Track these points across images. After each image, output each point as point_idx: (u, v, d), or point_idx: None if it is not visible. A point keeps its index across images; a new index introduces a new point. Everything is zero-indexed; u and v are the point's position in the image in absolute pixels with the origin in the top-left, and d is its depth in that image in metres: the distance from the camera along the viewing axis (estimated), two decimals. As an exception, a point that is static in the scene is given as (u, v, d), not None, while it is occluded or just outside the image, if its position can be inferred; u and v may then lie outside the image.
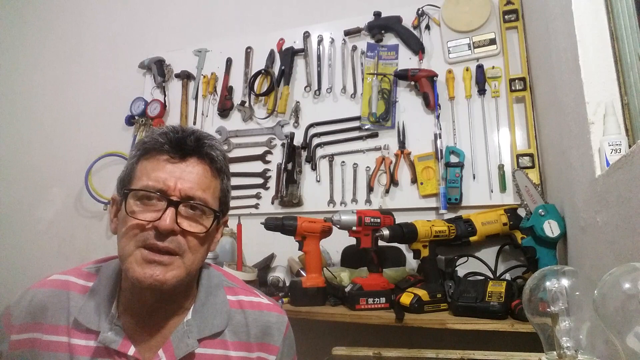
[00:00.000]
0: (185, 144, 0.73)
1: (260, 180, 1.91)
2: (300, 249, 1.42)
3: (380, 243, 1.32)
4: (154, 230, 0.68)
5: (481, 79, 1.64)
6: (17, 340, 0.71)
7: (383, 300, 1.29)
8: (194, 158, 0.74)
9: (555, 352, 0.64)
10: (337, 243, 1.59)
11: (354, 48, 1.87)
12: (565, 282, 0.66)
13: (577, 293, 0.65)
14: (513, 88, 1.58)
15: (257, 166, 1.93)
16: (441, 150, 1.61)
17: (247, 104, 1.99)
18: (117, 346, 0.70)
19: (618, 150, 0.82)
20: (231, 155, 1.98)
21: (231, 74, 2.07)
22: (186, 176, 0.72)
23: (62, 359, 0.69)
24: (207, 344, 0.75)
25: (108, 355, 0.70)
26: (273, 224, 1.40)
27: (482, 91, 1.64)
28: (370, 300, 1.28)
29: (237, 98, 2.03)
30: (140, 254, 0.68)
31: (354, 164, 1.77)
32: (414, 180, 1.67)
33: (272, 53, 2.00)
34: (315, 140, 1.86)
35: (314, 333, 1.50)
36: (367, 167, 1.75)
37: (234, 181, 2.11)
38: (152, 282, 0.67)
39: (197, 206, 0.72)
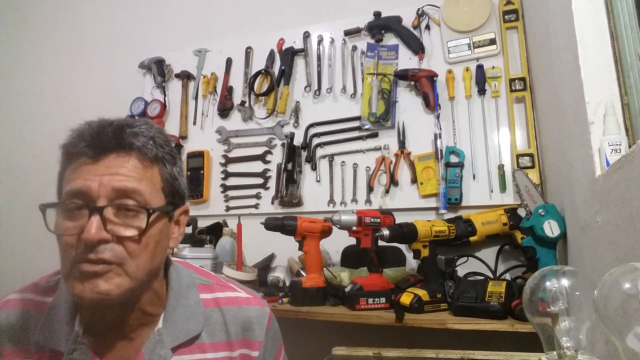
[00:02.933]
0: (103, 139, 0.64)
1: (260, 180, 1.91)
2: (300, 249, 1.42)
3: (380, 243, 1.32)
4: (83, 245, 0.60)
5: (481, 79, 1.64)
6: None
7: (383, 300, 1.29)
8: (115, 152, 0.64)
9: (555, 352, 0.64)
10: (337, 243, 1.59)
11: (354, 48, 1.88)
12: (565, 282, 0.66)
13: (577, 293, 0.65)
14: (513, 88, 1.58)
15: (257, 166, 1.93)
16: (441, 150, 1.61)
17: (247, 104, 1.99)
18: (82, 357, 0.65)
19: (618, 150, 0.82)
20: (231, 155, 1.98)
21: (231, 74, 2.07)
22: (110, 171, 0.63)
23: None
24: (183, 351, 0.70)
25: None
26: (273, 224, 1.40)
27: (482, 91, 1.64)
28: (370, 300, 1.28)
29: (237, 98, 2.03)
30: (76, 271, 0.61)
31: (354, 164, 1.77)
32: (414, 180, 1.67)
33: (272, 53, 2.00)
34: (315, 140, 1.86)
35: (314, 333, 1.50)
36: (367, 167, 1.75)
37: (234, 181, 2.12)
38: (94, 297, 0.60)
39: (129, 204, 0.63)
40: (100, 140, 0.64)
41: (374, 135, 1.76)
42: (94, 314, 0.67)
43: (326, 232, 1.44)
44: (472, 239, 1.40)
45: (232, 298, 0.78)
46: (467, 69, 1.68)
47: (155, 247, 0.66)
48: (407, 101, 1.75)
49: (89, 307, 0.65)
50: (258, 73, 1.99)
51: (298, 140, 1.87)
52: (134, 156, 0.65)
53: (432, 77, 1.68)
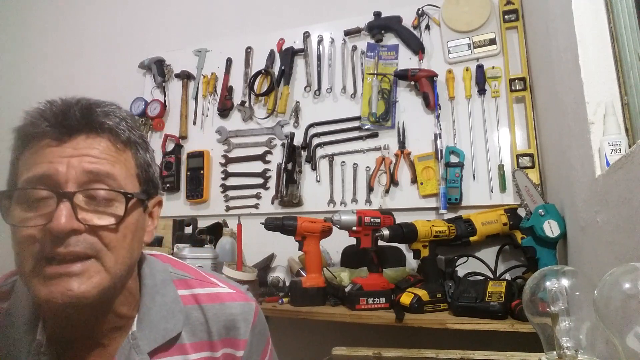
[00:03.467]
0: (70, 119, 0.55)
1: (260, 180, 1.91)
2: (300, 249, 1.42)
3: (380, 243, 1.32)
4: (50, 237, 0.51)
5: (481, 79, 1.64)
6: None
7: (383, 300, 1.29)
8: (84, 134, 0.56)
9: (555, 352, 0.64)
10: (337, 243, 1.59)
11: (354, 48, 1.87)
12: (565, 282, 0.66)
13: (577, 293, 0.65)
14: (513, 88, 1.58)
15: (257, 166, 1.93)
16: (441, 150, 1.61)
17: (247, 104, 1.99)
18: None
19: (618, 150, 0.82)
20: (231, 155, 1.99)
21: (231, 74, 2.07)
22: (78, 153, 0.55)
23: None
24: (162, 355, 0.62)
25: None
26: (273, 224, 1.41)
27: (482, 91, 1.64)
28: (370, 300, 1.28)
29: (237, 98, 2.03)
30: (42, 271, 0.52)
31: (354, 164, 1.77)
32: (414, 180, 1.67)
33: (272, 53, 2.00)
34: (315, 140, 1.86)
35: (314, 333, 1.50)
36: (367, 167, 1.75)
37: (234, 181, 2.12)
38: (66, 301, 0.51)
39: (103, 189, 0.55)
40: (67, 119, 0.55)
41: (374, 135, 1.76)
42: (61, 320, 0.58)
43: (326, 232, 1.44)
44: (472, 239, 1.40)
45: (213, 294, 0.69)
46: (467, 69, 1.68)
47: (133, 239, 0.59)
48: (407, 101, 1.75)
49: (59, 313, 0.56)
50: (258, 73, 1.99)
51: (298, 140, 1.87)
52: (106, 138, 0.57)
53: (432, 77, 1.68)
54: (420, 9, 1.78)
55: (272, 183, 1.89)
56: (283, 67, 1.94)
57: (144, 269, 0.66)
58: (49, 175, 0.53)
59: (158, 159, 2.06)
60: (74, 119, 0.56)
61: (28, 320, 0.58)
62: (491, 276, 1.36)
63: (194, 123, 2.08)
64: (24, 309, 0.59)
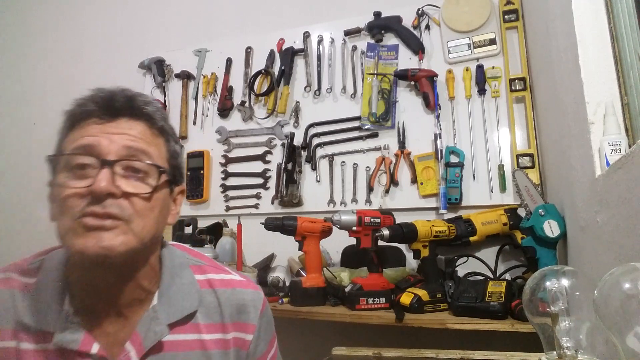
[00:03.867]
0: (115, 102, 0.64)
1: (260, 180, 1.91)
2: (300, 249, 1.42)
3: (380, 243, 1.32)
4: (90, 197, 0.58)
5: (481, 79, 1.64)
6: None
7: (383, 300, 1.29)
8: (126, 117, 0.64)
9: (555, 352, 0.64)
10: (337, 243, 1.59)
11: (354, 48, 1.87)
12: (565, 282, 0.66)
13: (577, 293, 0.65)
14: (513, 88, 1.58)
15: (257, 166, 1.93)
16: (441, 150, 1.61)
17: (247, 104, 1.99)
18: (77, 346, 0.60)
19: (618, 150, 0.82)
20: (231, 155, 1.99)
21: (231, 74, 2.07)
22: (119, 131, 0.62)
23: None
24: (178, 330, 0.68)
25: (65, 356, 0.60)
26: (273, 224, 1.40)
27: (482, 91, 1.64)
28: (370, 300, 1.28)
29: (237, 98, 2.03)
30: (79, 225, 0.58)
31: (354, 164, 1.77)
32: (414, 180, 1.67)
33: (272, 53, 2.00)
34: (315, 140, 1.86)
35: (314, 333, 1.50)
36: (367, 167, 1.75)
37: (234, 181, 2.12)
38: (97, 251, 0.57)
39: (138, 162, 0.62)
40: (112, 103, 0.64)
41: (374, 135, 1.76)
42: (85, 289, 0.64)
43: (326, 232, 1.44)
44: (472, 239, 1.40)
45: (225, 280, 0.75)
46: (467, 69, 1.68)
47: (160, 213, 0.65)
48: (407, 101, 1.75)
49: (91, 265, 0.61)
50: (258, 73, 1.99)
51: (298, 140, 1.87)
52: (143, 122, 0.65)
53: (432, 77, 1.68)
54: (420, 9, 1.78)
55: (272, 183, 1.89)
56: (283, 67, 1.94)
57: (164, 252, 0.72)
58: (94, 146, 0.60)
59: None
60: (118, 103, 0.63)
61: (56, 292, 0.63)
62: (491, 276, 1.36)
63: (194, 123, 2.08)
64: (53, 282, 0.64)
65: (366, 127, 1.77)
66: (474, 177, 1.60)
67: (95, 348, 0.61)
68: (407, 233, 1.26)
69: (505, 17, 1.64)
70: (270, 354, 0.79)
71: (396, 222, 1.37)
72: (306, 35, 1.96)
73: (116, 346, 0.63)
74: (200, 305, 0.70)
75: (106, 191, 0.58)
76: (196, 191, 1.95)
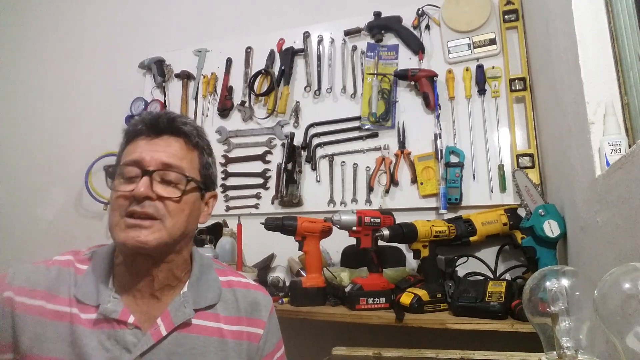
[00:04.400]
0: (159, 123, 0.80)
1: (260, 180, 1.91)
2: (300, 249, 1.42)
3: (380, 243, 1.32)
4: (133, 199, 0.74)
5: (481, 79, 1.64)
6: (23, 304, 0.72)
7: (383, 300, 1.29)
8: (167, 134, 0.80)
9: (555, 352, 0.64)
10: (337, 243, 1.59)
11: (354, 48, 1.88)
12: (565, 282, 0.66)
13: (577, 293, 0.65)
14: (513, 88, 1.58)
15: (257, 166, 1.93)
16: (441, 150, 1.61)
17: (247, 104, 1.99)
18: (117, 315, 0.74)
19: (618, 150, 0.82)
20: (231, 155, 1.99)
21: (231, 74, 2.07)
22: (160, 149, 0.78)
23: (63, 327, 0.72)
24: (202, 316, 0.80)
25: (109, 326, 0.73)
26: (273, 224, 1.40)
27: (482, 91, 1.64)
28: (370, 300, 1.28)
29: (237, 98, 2.03)
30: (123, 222, 0.74)
31: (354, 164, 1.77)
32: (414, 180, 1.67)
33: (272, 53, 2.00)
34: (315, 140, 1.86)
35: (314, 333, 1.50)
36: (367, 167, 1.75)
37: (234, 181, 2.12)
38: (134, 243, 0.72)
39: (171, 173, 0.77)
40: (157, 123, 0.80)
41: (374, 135, 1.76)
42: (126, 273, 0.78)
43: (326, 232, 1.44)
44: (472, 239, 1.40)
45: (242, 282, 0.89)
46: (467, 69, 1.68)
47: (190, 214, 0.80)
48: (407, 101, 1.75)
49: (129, 254, 0.76)
50: (258, 73, 1.99)
51: (298, 140, 1.87)
52: (182, 139, 0.81)
53: (432, 77, 1.68)
54: (420, 9, 1.78)
55: (272, 183, 1.89)
56: (283, 67, 1.94)
57: (195, 251, 0.88)
58: (139, 161, 0.76)
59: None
60: (162, 124, 0.80)
61: (103, 274, 0.78)
62: (491, 276, 1.36)
63: (194, 123, 2.08)
64: (100, 267, 0.79)
65: (366, 127, 1.77)
66: (474, 177, 1.60)
67: (131, 319, 0.74)
68: (407, 233, 1.26)
69: (505, 17, 1.64)
70: (278, 355, 0.90)
71: (396, 222, 1.37)
72: (306, 35, 1.96)
73: (149, 321, 0.76)
74: (220, 300, 0.83)
75: (145, 194, 0.73)
76: (196, 191, 1.95)
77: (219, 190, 1.96)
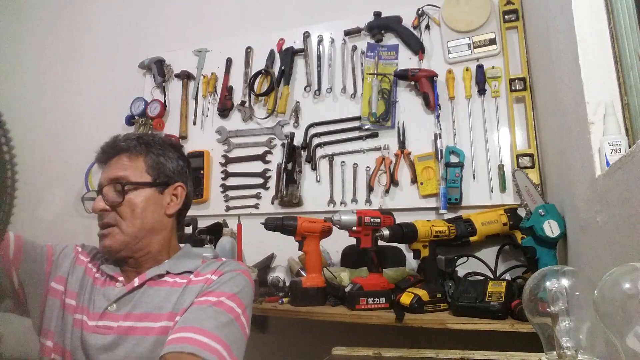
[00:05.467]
0: (106, 152, 0.99)
1: (260, 180, 1.91)
2: (300, 249, 1.42)
3: (380, 243, 1.32)
4: (99, 215, 0.95)
5: (481, 79, 1.64)
6: (82, 260, 0.99)
7: (383, 300, 1.29)
8: (113, 157, 0.99)
9: (555, 352, 0.64)
10: (337, 243, 1.59)
11: (354, 48, 1.88)
12: (565, 282, 0.66)
13: (577, 293, 0.65)
14: (513, 88, 1.58)
15: (257, 166, 1.93)
16: (441, 150, 1.62)
17: (247, 104, 1.99)
18: (112, 272, 0.96)
19: (618, 150, 0.82)
20: (231, 155, 1.99)
21: (231, 74, 2.07)
22: (110, 169, 0.97)
23: (85, 279, 0.97)
24: (175, 276, 0.95)
25: (104, 282, 0.96)
26: (273, 224, 1.40)
27: (482, 91, 1.64)
28: (370, 300, 1.28)
29: (237, 98, 2.03)
30: (99, 234, 0.95)
31: (354, 164, 1.77)
32: (414, 180, 1.67)
33: (272, 53, 2.00)
34: (315, 140, 1.86)
35: (314, 333, 1.50)
36: (367, 167, 1.75)
37: (234, 181, 2.12)
38: (103, 250, 0.95)
39: (115, 185, 0.94)
40: (105, 152, 1.00)
41: (374, 135, 1.76)
42: (116, 258, 0.97)
43: (326, 232, 1.44)
44: (472, 239, 1.40)
45: (223, 260, 1.01)
46: (467, 69, 1.68)
47: (143, 210, 0.95)
48: (407, 101, 1.75)
49: (110, 256, 0.97)
50: (258, 73, 1.99)
51: (298, 140, 1.87)
52: (124, 153, 0.98)
53: (432, 77, 1.68)
54: (420, 9, 1.78)
55: (272, 183, 1.89)
56: (283, 67, 1.94)
57: (187, 246, 1.07)
58: (98, 184, 0.98)
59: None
60: (108, 151, 1.00)
61: (102, 256, 1.01)
62: (491, 276, 1.36)
63: (194, 123, 2.08)
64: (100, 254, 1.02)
65: (366, 127, 1.77)
66: (474, 177, 1.60)
67: (120, 278, 0.95)
68: (407, 233, 1.26)
69: (505, 17, 1.64)
70: (225, 296, 0.88)
71: (396, 222, 1.37)
72: (306, 35, 1.96)
73: (131, 281, 0.95)
74: (196, 269, 0.96)
75: (98, 209, 0.94)
76: (196, 191, 1.95)
77: (219, 190, 1.97)
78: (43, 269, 0.95)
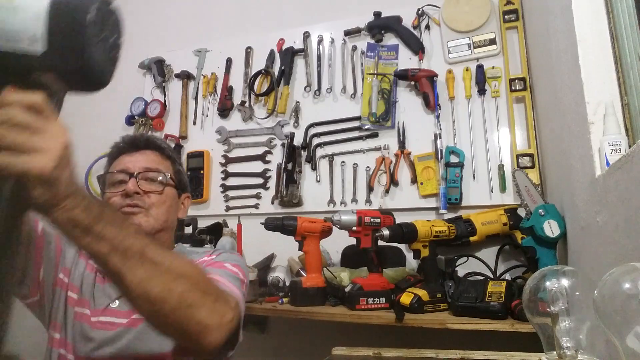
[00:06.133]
0: (138, 141, 1.02)
1: (260, 180, 1.91)
2: (300, 249, 1.42)
3: (380, 243, 1.32)
4: (125, 196, 0.94)
5: (481, 79, 1.64)
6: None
7: (383, 300, 1.29)
8: (144, 149, 1.01)
9: (555, 352, 0.64)
10: (337, 243, 1.59)
11: (354, 48, 1.87)
12: (565, 282, 0.66)
13: (577, 293, 0.65)
14: (513, 88, 1.58)
15: (257, 166, 1.93)
16: (441, 150, 1.62)
17: (247, 104, 1.99)
18: None
19: (618, 150, 0.82)
20: (231, 155, 1.99)
21: (231, 74, 2.07)
22: (141, 159, 0.99)
23: (86, 273, 0.98)
24: None
25: (104, 281, 0.96)
26: (273, 224, 1.40)
27: (482, 91, 1.64)
28: (370, 300, 1.28)
29: (237, 98, 2.03)
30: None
31: (354, 164, 1.77)
32: (414, 180, 1.67)
33: (272, 53, 2.00)
34: (315, 140, 1.86)
35: (314, 333, 1.50)
36: (367, 167, 1.75)
37: (234, 181, 2.12)
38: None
39: (152, 173, 0.98)
40: (136, 141, 1.03)
41: (374, 135, 1.76)
42: None
43: (326, 232, 1.44)
44: (472, 239, 1.40)
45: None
46: (467, 69, 1.67)
47: (170, 206, 1.00)
48: (407, 101, 1.75)
49: None
50: (258, 73, 1.99)
51: (298, 140, 1.87)
52: (157, 152, 1.03)
53: (432, 77, 1.68)
54: (420, 9, 1.78)
55: (272, 183, 1.89)
56: (283, 67, 1.94)
57: (179, 245, 1.11)
58: (124, 169, 0.98)
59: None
60: (140, 141, 1.03)
61: None
62: (491, 276, 1.36)
63: (194, 123, 2.08)
64: None
65: (366, 127, 1.77)
66: (474, 177, 1.60)
67: None
68: (407, 233, 1.26)
69: (505, 17, 1.64)
70: (229, 264, 0.94)
71: (396, 222, 1.37)
72: (306, 35, 1.96)
73: None
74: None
75: (133, 190, 0.94)
76: (196, 191, 1.95)
77: (219, 190, 1.97)
78: (55, 256, 0.96)
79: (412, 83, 1.73)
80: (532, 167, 1.50)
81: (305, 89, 1.92)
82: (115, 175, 0.97)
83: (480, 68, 1.65)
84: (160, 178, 0.99)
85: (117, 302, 0.92)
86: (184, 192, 1.08)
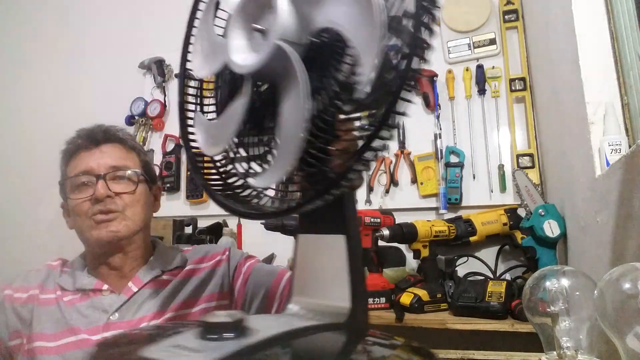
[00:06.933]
0: (95, 134, 0.89)
1: (260, 180, 1.91)
2: (300, 249, 1.42)
3: (380, 243, 1.32)
4: (95, 201, 0.83)
5: (481, 79, 1.64)
6: (20, 298, 0.85)
7: (383, 300, 1.29)
8: (104, 143, 0.89)
9: (555, 352, 0.64)
10: (337, 243, 1.59)
11: (354, 48, 1.87)
12: (565, 282, 0.66)
13: (577, 293, 0.65)
14: (513, 88, 1.58)
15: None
16: (441, 150, 1.61)
17: (247, 104, 1.99)
18: (92, 286, 0.85)
19: (618, 150, 0.82)
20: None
21: (231, 74, 2.07)
22: (104, 155, 0.87)
23: (53, 309, 0.84)
24: (173, 274, 0.90)
25: (87, 298, 0.85)
26: (273, 224, 1.40)
27: (482, 91, 1.64)
28: (370, 300, 1.28)
29: (237, 98, 2.03)
30: (91, 222, 0.83)
31: (354, 164, 1.77)
32: (414, 180, 1.67)
33: (272, 53, 1.99)
34: (315, 140, 1.85)
35: (314, 333, 1.49)
36: (367, 167, 1.75)
37: (234, 181, 2.09)
38: (108, 235, 0.82)
39: (120, 172, 0.87)
40: (94, 135, 0.88)
41: (374, 135, 1.76)
42: (98, 263, 0.88)
43: (326, 232, 1.43)
44: (472, 239, 1.40)
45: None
46: (467, 69, 1.67)
47: (144, 204, 0.90)
48: (407, 101, 1.75)
49: (105, 246, 0.85)
50: (258, 73, 1.99)
51: (298, 140, 1.87)
52: (119, 144, 0.90)
53: (432, 77, 1.68)
54: (420, 9, 1.78)
55: (272, 183, 1.89)
56: (283, 67, 1.94)
57: (158, 243, 0.98)
58: (88, 170, 0.85)
59: (158, 159, 2.06)
60: (98, 134, 0.89)
61: (79, 267, 0.91)
62: (491, 276, 1.36)
63: (194, 123, 2.07)
64: (76, 262, 0.92)
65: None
66: (474, 177, 1.60)
67: (105, 287, 0.86)
68: (407, 233, 1.26)
69: (505, 17, 1.64)
70: (249, 262, 0.99)
71: (396, 222, 1.37)
72: (306, 35, 1.95)
73: (121, 287, 0.87)
74: (185, 262, 0.93)
75: (105, 194, 0.83)
76: (196, 191, 1.95)
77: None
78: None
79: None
80: (532, 167, 1.50)
81: (305, 89, 1.91)
82: (78, 179, 0.85)
83: (480, 68, 1.65)
84: (129, 174, 0.88)
85: (116, 314, 0.84)
86: (154, 183, 0.96)
